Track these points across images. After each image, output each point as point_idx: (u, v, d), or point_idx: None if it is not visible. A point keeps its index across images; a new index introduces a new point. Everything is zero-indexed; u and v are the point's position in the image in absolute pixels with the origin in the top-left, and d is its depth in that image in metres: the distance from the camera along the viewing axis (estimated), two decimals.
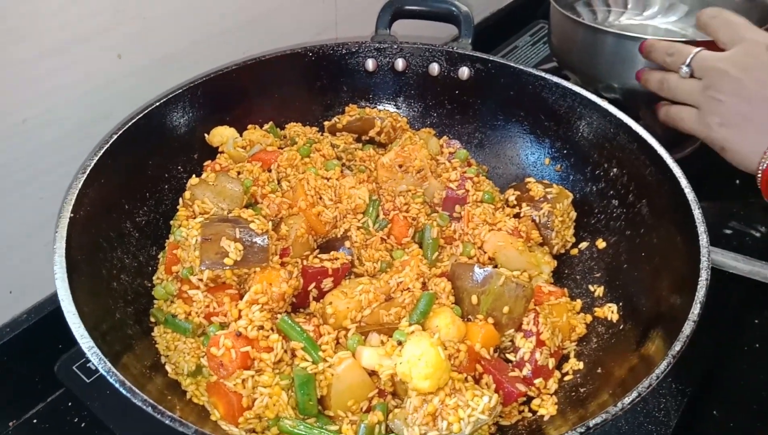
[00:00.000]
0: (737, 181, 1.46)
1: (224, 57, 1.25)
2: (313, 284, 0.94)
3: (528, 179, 1.15)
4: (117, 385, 0.70)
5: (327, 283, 0.95)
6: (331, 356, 0.85)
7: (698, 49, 1.16)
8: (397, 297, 0.93)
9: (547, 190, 1.10)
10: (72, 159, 1.12)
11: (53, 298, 1.17)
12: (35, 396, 1.11)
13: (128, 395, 0.69)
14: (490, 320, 0.93)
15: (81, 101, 1.11)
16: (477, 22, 1.62)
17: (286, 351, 0.86)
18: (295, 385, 0.83)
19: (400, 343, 0.86)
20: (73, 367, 1.11)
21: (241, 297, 0.89)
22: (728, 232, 1.36)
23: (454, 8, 1.26)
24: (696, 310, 0.78)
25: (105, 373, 0.72)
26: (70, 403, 1.11)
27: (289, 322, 0.87)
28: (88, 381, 1.09)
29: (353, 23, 1.57)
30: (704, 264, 0.83)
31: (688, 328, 0.76)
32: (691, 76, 1.16)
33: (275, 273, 0.89)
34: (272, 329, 0.86)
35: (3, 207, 1.08)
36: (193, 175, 1.06)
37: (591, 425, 0.71)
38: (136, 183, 1.05)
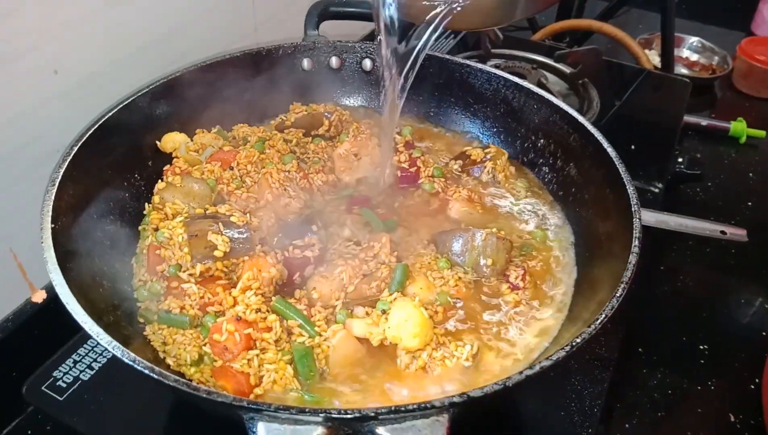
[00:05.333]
0: (632, 147, 1.67)
1: (154, 69, 1.28)
2: (298, 273, 1.00)
3: (465, 149, 1.27)
4: (147, 372, 0.73)
5: (309, 269, 1.01)
6: (325, 331, 0.93)
7: None
8: (374, 271, 1.01)
9: (486, 151, 1.24)
10: (10, 182, 1.12)
11: (4, 324, 1.16)
12: None
13: (161, 378, 0.72)
14: (474, 275, 1.05)
15: (19, 122, 1.11)
16: None
17: (283, 330, 0.92)
18: (295, 359, 0.89)
19: (384, 312, 0.95)
20: (43, 388, 1.09)
21: (233, 286, 0.94)
22: None
23: None
24: (636, 243, 0.92)
25: (130, 362, 0.74)
26: (29, 431, 1.10)
27: (284, 302, 0.93)
28: (61, 399, 1.08)
29: (272, 28, 1.63)
30: (635, 208, 0.98)
31: (633, 259, 0.90)
32: None
33: (263, 260, 0.95)
34: (268, 311, 0.92)
35: None
36: (159, 181, 1.08)
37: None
38: (99, 193, 1.06)
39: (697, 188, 1.77)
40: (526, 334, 1.01)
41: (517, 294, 1.04)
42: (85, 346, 1.15)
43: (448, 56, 1.32)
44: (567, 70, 1.87)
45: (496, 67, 1.86)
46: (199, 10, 1.40)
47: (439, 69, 1.31)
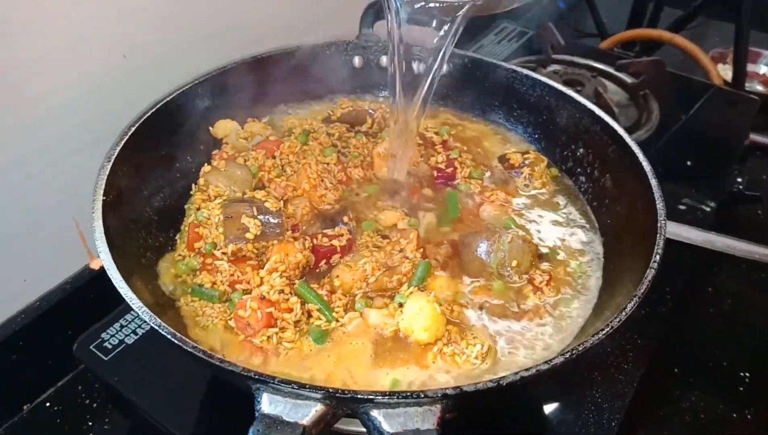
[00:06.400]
0: (688, 163, 1.63)
1: (215, 57, 1.35)
2: (324, 261, 1.06)
3: (505, 153, 1.29)
4: (169, 337, 0.79)
5: (335, 258, 1.06)
6: (342, 317, 0.97)
7: None
8: (398, 266, 1.05)
9: (525, 156, 1.25)
10: (75, 154, 1.21)
11: (64, 286, 1.26)
12: (47, 381, 1.18)
13: (180, 344, 0.78)
14: (498, 275, 1.07)
15: (84, 99, 1.20)
16: None
17: (303, 313, 0.97)
18: (310, 340, 0.95)
19: (400, 305, 0.99)
20: (90, 347, 1.19)
21: (261, 267, 1.00)
22: (682, 207, 1.51)
23: None
24: (660, 246, 0.92)
25: (157, 327, 0.81)
26: (79, 387, 1.19)
27: (306, 286, 0.98)
28: (105, 359, 1.17)
29: (335, 22, 1.69)
30: (661, 223, 0.97)
31: (650, 274, 0.89)
32: None
33: (291, 245, 1.01)
34: (291, 293, 0.97)
35: (11, 200, 1.16)
36: (205, 164, 1.16)
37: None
38: (151, 171, 1.14)
39: (758, 211, 1.71)
40: (544, 338, 1.02)
41: (539, 298, 1.05)
42: (132, 312, 1.23)
43: (495, 60, 1.33)
44: (629, 80, 1.84)
45: (555, 72, 1.86)
46: (265, 2, 1.47)
47: (485, 73, 1.33)
